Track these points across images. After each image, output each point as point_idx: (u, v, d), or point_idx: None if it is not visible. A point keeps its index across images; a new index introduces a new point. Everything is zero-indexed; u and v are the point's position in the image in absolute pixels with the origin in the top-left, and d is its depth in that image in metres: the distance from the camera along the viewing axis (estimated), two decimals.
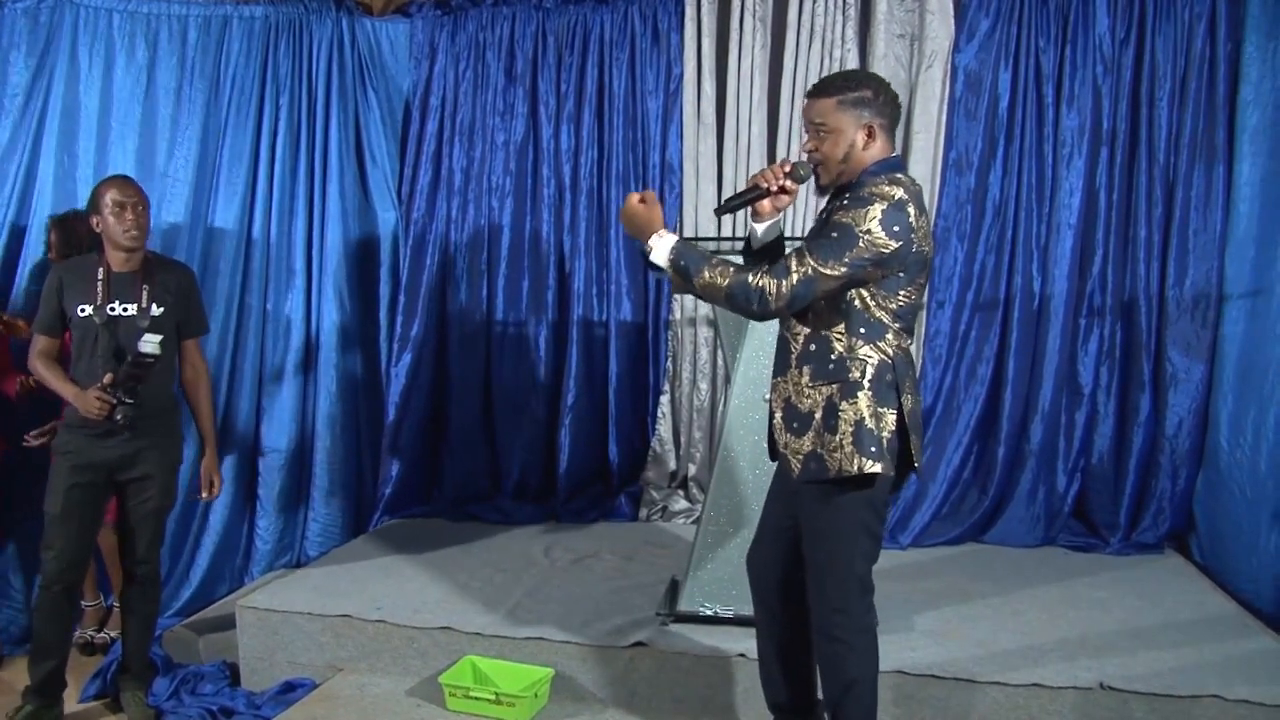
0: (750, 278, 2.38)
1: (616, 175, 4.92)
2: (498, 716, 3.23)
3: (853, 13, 4.61)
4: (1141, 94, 4.39)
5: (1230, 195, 4.28)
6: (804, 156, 2.56)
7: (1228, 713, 2.92)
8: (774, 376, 2.64)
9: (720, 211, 2.66)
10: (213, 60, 4.55)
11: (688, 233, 4.81)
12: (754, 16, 4.70)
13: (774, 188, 2.55)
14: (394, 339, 5.11)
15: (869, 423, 2.41)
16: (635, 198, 2.54)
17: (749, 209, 2.63)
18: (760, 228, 2.64)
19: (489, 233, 5.05)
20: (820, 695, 2.79)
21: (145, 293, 3.36)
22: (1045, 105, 4.47)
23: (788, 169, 2.53)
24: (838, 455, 2.43)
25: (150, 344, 3.20)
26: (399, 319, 5.10)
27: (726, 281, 2.40)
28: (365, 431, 5.05)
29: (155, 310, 3.37)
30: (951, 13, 4.51)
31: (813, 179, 2.58)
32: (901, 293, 2.44)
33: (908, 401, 2.47)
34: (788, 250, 2.52)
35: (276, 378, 4.73)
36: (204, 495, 3.67)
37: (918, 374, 2.55)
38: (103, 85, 4.36)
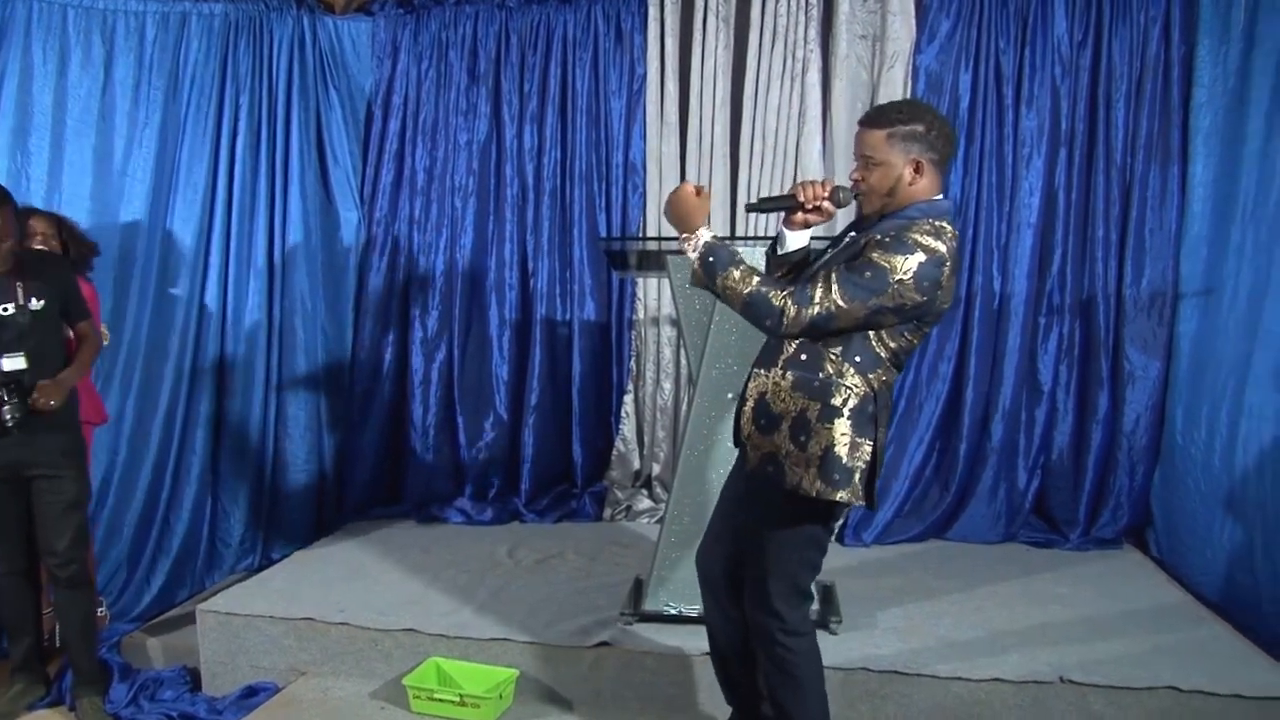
0: (773, 293, 2.34)
1: (580, 175, 4.92)
2: (462, 718, 3.22)
3: (815, 13, 4.63)
4: (1099, 95, 4.44)
5: (1185, 195, 4.35)
6: (849, 182, 2.51)
7: (1183, 703, 2.98)
8: (755, 366, 2.59)
9: (751, 209, 2.62)
10: (171, 57, 4.49)
11: (650, 232, 4.81)
12: (717, 16, 4.72)
13: (809, 205, 2.51)
14: (356, 339, 5.09)
15: (839, 449, 2.39)
16: (691, 187, 2.50)
17: (781, 214, 2.58)
18: (788, 235, 2.58)
19: (452, 232, 5.03)
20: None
21: (21, 289, 3.31)
22: (1005, 106, 4.51)
23: (828, 191, 2.49)
24: (799, 471, 2.42)
25: (12, 362, 3.24)
26: (361, 319, 5.08)
27: (748, 289, 2.36)
28: (328, 432, 5.02)
29: (35, 304, 3.32)
30: (913, 14, 4.54)
31: (855, 205, 2.56)
32: (906, 334, 2.42)
33: (881, 435, 2.46)
34: (814, 269, 2.49)
35: (237, 379, 4.68)
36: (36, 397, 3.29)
37: (893, 390, 2.56)
38: (57, 82, 4.28)
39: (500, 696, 3.26)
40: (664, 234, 4.74)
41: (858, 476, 2.42)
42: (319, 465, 4.98)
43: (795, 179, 4.60)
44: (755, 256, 2.69)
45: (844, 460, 2.40)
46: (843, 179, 2.57)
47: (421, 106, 5.05)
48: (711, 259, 2.42)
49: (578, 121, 4.91)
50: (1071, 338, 4.56)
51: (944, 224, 2.38)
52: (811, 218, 2.54)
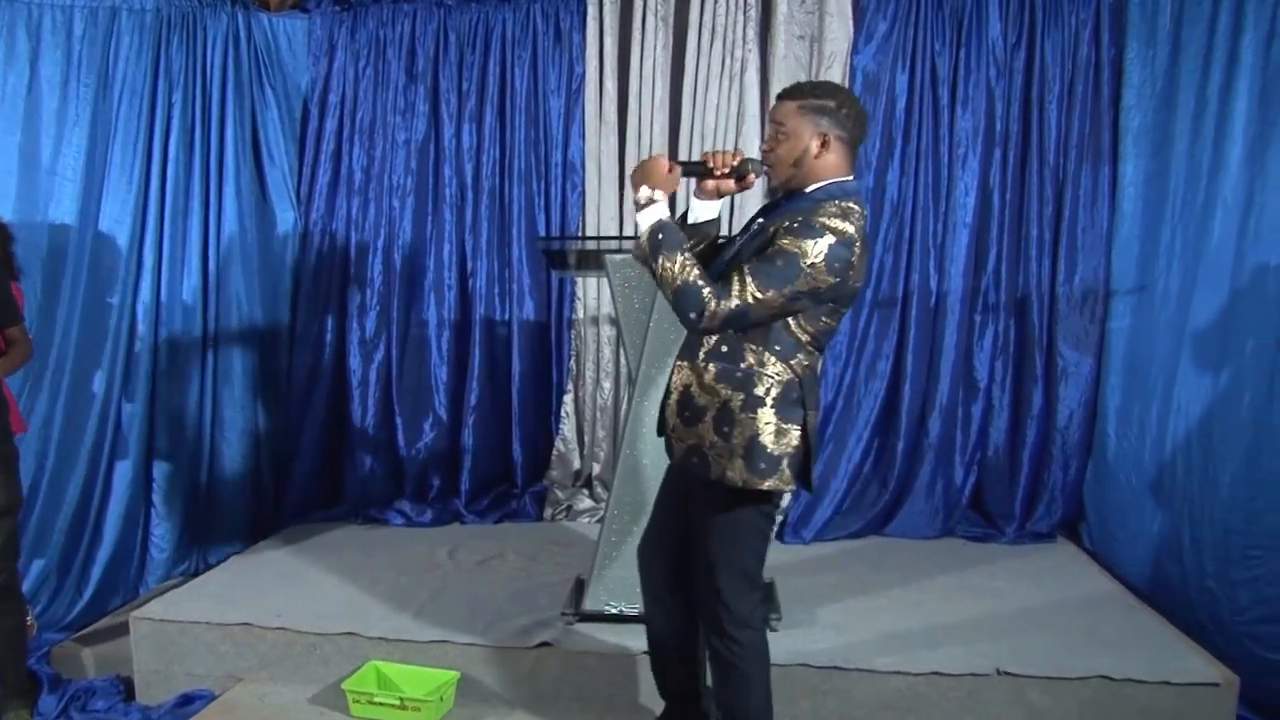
0: (705, 289, 2.34)
1: (518, 174, 4.89)
2: None
3: (754, 14, 4.66)
4: (1032, 96, 4.52)
5: (1116, 195, 4.43)
6: (756, 154, 2.55)
7: (1115, 692, 3.05)
8: (678, 359, 2.62)
9: (679, 167, 2.56)
10: (101, 54, 4.39)
11: (589, 231, 4.80)
12: (655, 16, 4.72)
13: (717, 172, 2.53)
14: (293, 340, 5.03)
15: (764, 437, 2.42)
16: (666, 162, 2.48)
17: (693, 183, 2.60)
18: (698, 204, 2.59)
19: (389, 232, 4.98)
20: (709, 683, 2.83)
21: None
22: (941, 106, 4.57)
23: (736, 162, 2.52)
24: (723, 462, 2.44)
25: None
26: (298, 320, 5.02)
27: (684, 279, 2.35)
28: (265, 434, 4.94)
29: None
30: (850, 15, 4.58)
31: (765, 178, 2.57)
32: (825, 319, 2.44)
33: (811, 418, 2.49)
34: (726, 258, 2.52)
35: (172, 381, 4.59)
36: None
37: (817, 373, 2.58)
38: None
39: (441, 699, 3.24)
40: (603, 234, 4.76)
41: (786, 463, 2.44)
42: (256, 468, 4.91)
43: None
44: None
45: (769, 449, 2.42)
46: None
47: (359, 105, 5.00)
48: (660, 236, 2.40)
49: (516, 121, 4.89)
50: (1007, 335, 4.63)
51: (851, 204, 2.40)
52: (723, 185, 2.56)
